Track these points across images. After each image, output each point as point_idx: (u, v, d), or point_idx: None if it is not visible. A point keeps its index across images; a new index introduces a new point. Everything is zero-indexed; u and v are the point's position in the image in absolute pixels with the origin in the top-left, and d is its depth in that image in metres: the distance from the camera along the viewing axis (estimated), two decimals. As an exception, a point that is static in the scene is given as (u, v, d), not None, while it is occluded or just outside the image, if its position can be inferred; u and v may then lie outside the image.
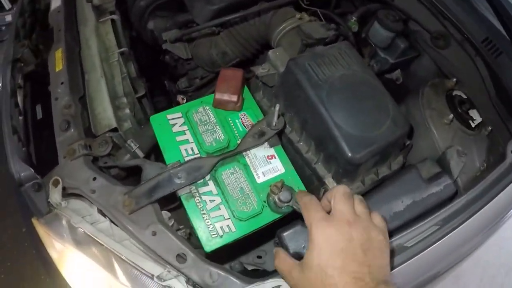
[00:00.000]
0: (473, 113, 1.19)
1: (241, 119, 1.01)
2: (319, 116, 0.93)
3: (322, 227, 0.65)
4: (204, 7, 1.21)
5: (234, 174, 0.92)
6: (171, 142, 0.95)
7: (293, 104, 1.00)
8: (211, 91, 1.36)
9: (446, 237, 0.90)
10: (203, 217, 0.86)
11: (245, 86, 1.06)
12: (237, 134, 0.98)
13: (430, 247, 0.88)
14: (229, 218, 0.87)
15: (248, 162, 0.94)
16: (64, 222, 0.94)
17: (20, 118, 1.24)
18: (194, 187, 0.89)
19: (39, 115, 1.37)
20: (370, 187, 1.01)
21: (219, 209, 0.88)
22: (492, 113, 1.18)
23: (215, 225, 0.86)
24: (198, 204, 0.88)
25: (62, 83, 1.17)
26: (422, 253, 0.87)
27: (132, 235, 0.88)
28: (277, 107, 0.92)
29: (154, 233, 0.86)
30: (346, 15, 1.24)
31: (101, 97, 1.18)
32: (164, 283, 0.81)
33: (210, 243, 0.85)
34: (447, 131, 1.14)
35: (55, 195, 0.97)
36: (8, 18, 3.71)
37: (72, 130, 1.07)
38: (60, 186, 0.98)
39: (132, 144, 1.12)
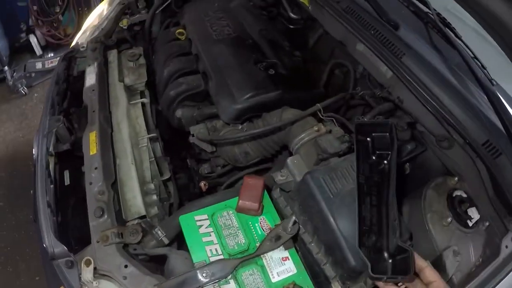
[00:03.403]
0: (472, 212, 1.42)
1: (260, 223, 1.25)
2: (329, 227, 1.16)
3: None
4: (230, 105, 1.47)
5: (253, 276, 1.15)
6: (198, 242, 1.19)
7: (306, 211, 1.23)
8: (232, 181, 1.62)
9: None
10: (224, 312, 1.11)
11: (265, 191, 1.30)
12: (256, 237, 1.22)
13: None
14: (245, 314, 1.11)
15: (265, 263, 1.18)
16: (96, 300, 1.18)
17: (51, 186, 1.47)
18: (217, 285, 1.13)
19: (67, 181, 1.60)
20: (371, 287, 1.25)
21: (238, 305, 1.12)
22: (490, 209, 1.38)
23: (233, 319, 1.10)
24: (220, 300, 1.12)
25: (96, 168, 1.41)
26: None
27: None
28: (293, 218, 1.17)
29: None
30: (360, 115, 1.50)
31: (131, 184, 1.43)
32: None
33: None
34: (446, 232, 1.37)
35: (87, 274, 1.19)
36: (39, 65, 4.06)
37: (106, 216, 1.30)
38: (91, 266, 1.20)
39: (159, 232, 1.35)
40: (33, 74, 4.17)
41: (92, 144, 1.49)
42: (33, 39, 4.43)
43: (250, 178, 1.27)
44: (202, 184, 1.64)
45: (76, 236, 1.35)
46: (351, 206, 1.18)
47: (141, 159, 1.53)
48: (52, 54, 4.50)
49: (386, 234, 1.15)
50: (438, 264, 1.29)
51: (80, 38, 2.15)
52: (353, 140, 1.29)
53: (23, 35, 4.54)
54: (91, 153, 1.47)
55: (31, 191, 3.27)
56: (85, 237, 1.34)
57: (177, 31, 1.86)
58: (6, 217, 3.29)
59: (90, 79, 1.74)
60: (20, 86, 4.14)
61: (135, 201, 1.40)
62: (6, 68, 4.12)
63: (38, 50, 4.48)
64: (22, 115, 4.09)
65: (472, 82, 1.45)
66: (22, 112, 4.12)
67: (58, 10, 4.39)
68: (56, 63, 4.01)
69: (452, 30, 1.59)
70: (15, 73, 4.18)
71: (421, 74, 1.47)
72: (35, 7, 4.39)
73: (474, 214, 1.40)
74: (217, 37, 1.75)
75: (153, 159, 1.56)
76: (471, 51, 1.54)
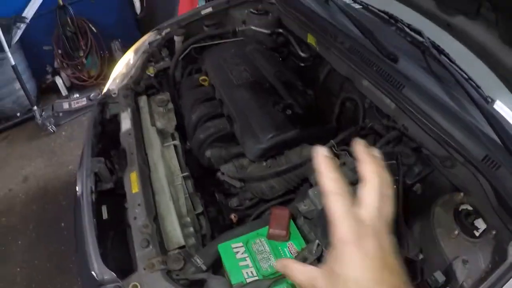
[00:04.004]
0: (478, 223, 1.53)
1: (289, 247, 1.42)
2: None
3: (358, 242, 0.64)
4: (254, 145, 1.66)
5: (285, 293, 1.32)
6: (235, 266, 1.36)
7: (328, 235, 1.40)
8: (259, 212, 1.79)
9: None
10: (262, 328, 1.27)
11: (291, 220, 1.48)
12: (285, 260, 1.40)
13: None
14: (281, 329, 1.28)
15: (294, 283, 1.35)
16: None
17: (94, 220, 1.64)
18: (254, 303, 1.30)
19: (105, 215, 1.77)
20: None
21: (274, 320, 1.29)
22: (495, 219, 1.48)
23: (271, 334, 1.27)
24: (258, 316, 1.29)
25: (139, 204, 1.58)
26: None
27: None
28: (316, 241, 1.34)
29: None
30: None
31: (171, 218, 1.60)
32: None
33: None
34: (454, 243, 1.50)
35: (135, 299, 1.36)
36: (66, 105, 4.32)
37: (151, 247, 1.47)
38: None
39: (198, 260, 1.52)
40: (60, 114, 4.43)
41: (133, 183, 1.67)
42: (59, 81, 4.71)
43: (277, 209, 1.45)
44: (232, 216, 1.81)
45: (116, 266, 1.48)
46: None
47: (177, 196, 1.70)
48: (78, 95, 4.77)
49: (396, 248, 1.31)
50: (449, 273, 1.42)
51: (111, 84, 2.36)
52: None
53: (49, 76, 4.84)
54: (133, 191, 1.64)
55: (62, 224, 3.49)
56: (124, 266, 1.52)
57: (201, 78, 2.08)
58: (37, 248, 3.48)
59: (126, 124, 1.93)
60: (48, 124, 4.39)
61: (175, 233, 1.57)
62: (35, 107, 4.38)
63: (63, 91, 4.76)
64: (51, 152, 4.32)
65: (468, 101, 1.55)
66: (51, 149, 4.35)
67: (81, 54, 4.68)
68: (82, 103, 4.29)
69: (447, 55, 1.75)
70: (43, 112, 4.44)
71: (421, 103, 1.59)
72: (60, 51, 4.67)
73: (480, 224, 1.50)
74: (237, 82, 1.94)
75: (188, 195, 1.74)
76: (465, 73, 1.68)
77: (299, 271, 0.74)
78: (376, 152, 0.73)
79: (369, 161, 0.69)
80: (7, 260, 3.42)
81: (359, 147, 0.71)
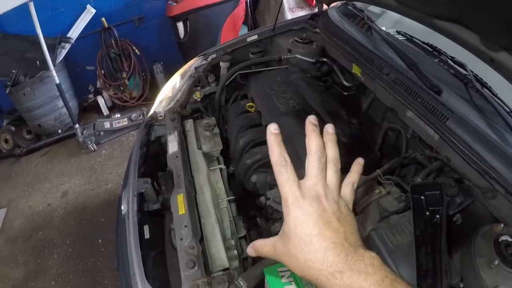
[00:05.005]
0: None
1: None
2: (392, 273, 1.38)
3: (298, 202, 0.75)
4: (299, 172, 1.70)
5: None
6: (280, 291, 1.42)
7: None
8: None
9: None
10: None
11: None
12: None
13: None
14: None
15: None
16: None
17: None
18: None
19: (147, 234, 1.85)
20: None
21: None
22: None
23: None
24: None
25: (185, 226, 1.64)
26: None
27: None
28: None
29: None
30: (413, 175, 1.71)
31: (215, 240, 1.66)
32: None
33: None
34: (493, 273, 1.50)
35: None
36: (107, 125, 4.50)
37: (196, 268, 1.52)
38: None
39: (241, 282, 1.58)
40: (101, 133, 4.60)
41: (180, 205, 1.73)
42: (100, 100, 4.91)
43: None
44: (275, 240, 1.87)
45: (155, 286, 1.54)
46: (410, 256, 1.38)
47: (222, 218, 1.77)
48: (119, 115, 4.94)
49: (440, 277, 1.35)
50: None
51: (157, 107, 2.47)
52: (409, 199, 1.50)
53: (90, 96, 5.05)
54: (180, 213, 1.70)
55: (99, 240, 3.61)
56: (163, 285, 1.62)
57: (247, 104, 2.16)
58: (74, 262, 3.60)
59: (173, 146, 2.01)
60: (89, 142, 4.56)
61: (219, 255, 1.63)
62: (76, 125, 4.57)
63: (105, 110, 4.95)
64: (91, 169, 4.48)
65: (510, 134, 1.61)
66: (91, 166, 4.51)
67: (124, 76, 4.87)
68: (123, 123, 4.46)
69: (489, 89, 1.79)
70: (85, 131, 4.61)
71: (464, 135, 1.64)
72: (103, 72, 4.87)
73: (519, 255, 1.56)
74: (283, 110, 2.00)
75: (232, 218, 1.81)
76: (507, 106, 1.71)
77: (262, 245, 0.85)
78: (330, 128, 0.89)
79: (313, 136, 0.82)
80: (42, 273, 3.57)
81: (307, 122, 0.83)
